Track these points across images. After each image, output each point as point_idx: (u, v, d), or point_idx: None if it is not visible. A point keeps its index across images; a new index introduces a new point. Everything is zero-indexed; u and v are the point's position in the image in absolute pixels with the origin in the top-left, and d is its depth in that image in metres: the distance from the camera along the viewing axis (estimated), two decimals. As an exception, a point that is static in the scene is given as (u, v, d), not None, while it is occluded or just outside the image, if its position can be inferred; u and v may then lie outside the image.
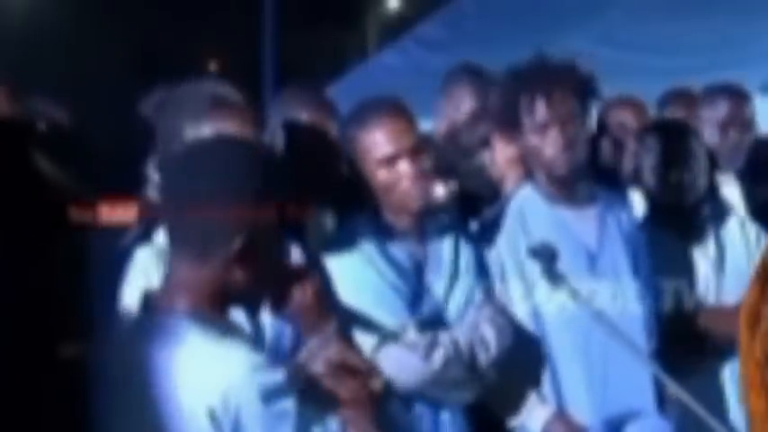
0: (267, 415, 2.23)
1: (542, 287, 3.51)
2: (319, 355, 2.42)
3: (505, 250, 3.55)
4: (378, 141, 3.32)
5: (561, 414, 3.48)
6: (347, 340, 2.47)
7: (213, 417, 2.23)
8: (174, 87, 3.28)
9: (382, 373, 2.40)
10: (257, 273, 2.33)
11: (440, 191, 3.58)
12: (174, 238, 2.39)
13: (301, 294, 2.51)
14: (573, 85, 3.59)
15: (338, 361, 2.39)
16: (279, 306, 2.56)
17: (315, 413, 2.28)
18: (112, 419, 2.29)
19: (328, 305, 2.49)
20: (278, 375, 2.26)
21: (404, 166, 3.30)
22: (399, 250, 3.36)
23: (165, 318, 2.32)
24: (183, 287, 2.34)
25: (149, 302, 2.37)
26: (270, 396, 2.24)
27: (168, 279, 2.39)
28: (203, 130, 3.02)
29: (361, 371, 2.38)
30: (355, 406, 2.35)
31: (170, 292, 2.35)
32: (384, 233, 3.36)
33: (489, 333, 3.34)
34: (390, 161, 3.31)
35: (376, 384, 2.37)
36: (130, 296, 2.95)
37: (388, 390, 2.46)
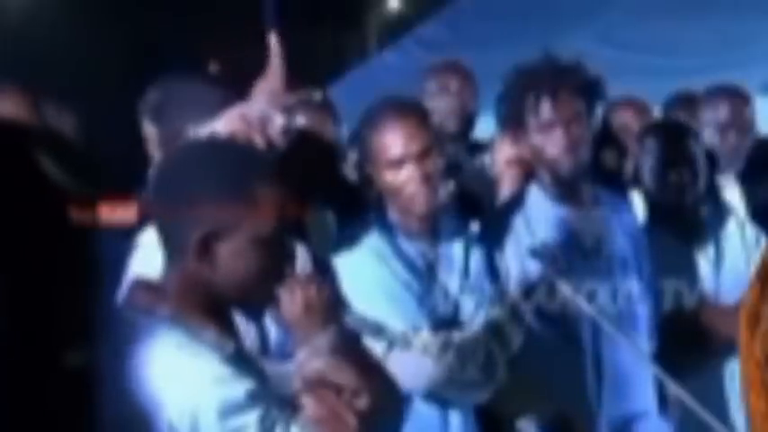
0: (225, 430, 2.20)
1: (543, 287, 3.51)
2: (301, 371, 2.36)
3: (509, 250, 3.54)
4: (387, 143, 3.31)
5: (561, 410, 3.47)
6: (344, 353, 2.39)
7: (171, 428, 2.21)
8: (171, 87, 3.27)
9: (372, 392, 2.31)
10: (232, 273, 2.30)
11: (442, 192, 3.57)
12: (158, 239, 2.39)
13: (290, 304, 2.41)
14: (579, 86, 3.58)
15: (315, 378, 2.31)
16: (269, 311, 2.50)
17: (282, 428, 2.23)
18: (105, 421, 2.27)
19: (323, 316, 2.41)
20: (239, 390, 2.22)
21: (410, 170, 3.29)
22: (412, 250, 3.36)
23: (149, 319, 2.30)
24: (167, 289, 2.33)
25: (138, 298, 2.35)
26: (228, 411, 2.20)
27: (161, 280, 2.39)
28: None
29: (344, 389, 2.30)
30: (336, 425, 2.28)
31: (158, 294, 2.35)
32: (396, 233, 3.36)
33: (502, 333, 3.34)
34: (397, 164, 3.30)
35: (361, 403, 2.29)
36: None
37: (381, 407, 2.37)
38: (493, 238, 3.55)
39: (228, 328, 2.37)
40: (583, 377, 3.51)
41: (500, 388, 3.35)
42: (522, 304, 3.50)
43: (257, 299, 2.39)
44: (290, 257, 2.43)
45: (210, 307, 2.32)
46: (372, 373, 2.39)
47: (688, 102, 4.95)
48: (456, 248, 3.43)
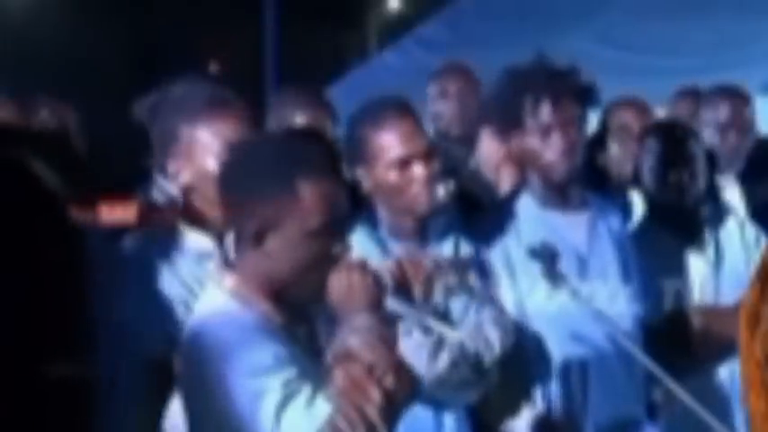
0: (248, 390, 2.38)
1: (536, 289, 3.49)
2: (336, 347, 2.50)
3: (497, 253, 3.53)
4: (391, 143, 3.28)
5: (548, 416, 3.46)
6: (381, 335, 2.52)
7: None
8: (168, 88, 3.28)
9: (397, 372, 2.49)
10: (282, 263, 2.51)
11: (441, 192, 3.57)
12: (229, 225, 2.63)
13: (336, 285, 2.55)
14: (576, 91, 3.56)
15: (344, 353, 2.45)
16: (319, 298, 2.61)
17: (307, 393, 2.39)
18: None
19: (365, 299, 2.54)
20: (266, 354, 2.41)
21: (418, 169, 3.27)
22: (400, 251, 3.35)
23: (223, 295, 2.54)
24: (233, 269, 2.57)
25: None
26: (253, 373, 2.39)
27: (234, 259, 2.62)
28: (199, 130, 3.03)
29: (375, 367, 2.45)
30: (357, 396, 2.41)
31: (226, 273, 2.58)
32: (384, 234, 3.35)
33: (493, 333, 3.33)
34: (404, 163, 3.27)
35: (388, 382, 2.45)
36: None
37: (408, 389, 2.56)
38: (482, 239, 3.54)
39: (287, 311, 2.55)
40: (567, 382, 3.49)
41: (491, 389, 3.34)
42: (511, 307, 3.49)
43: (308, 286, 2.55)
44: (340, 248, 2.58)
45: (266, 287, 2.53)
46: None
47: (690, 96, 4.95)
48: (445, 249, 3.41)
